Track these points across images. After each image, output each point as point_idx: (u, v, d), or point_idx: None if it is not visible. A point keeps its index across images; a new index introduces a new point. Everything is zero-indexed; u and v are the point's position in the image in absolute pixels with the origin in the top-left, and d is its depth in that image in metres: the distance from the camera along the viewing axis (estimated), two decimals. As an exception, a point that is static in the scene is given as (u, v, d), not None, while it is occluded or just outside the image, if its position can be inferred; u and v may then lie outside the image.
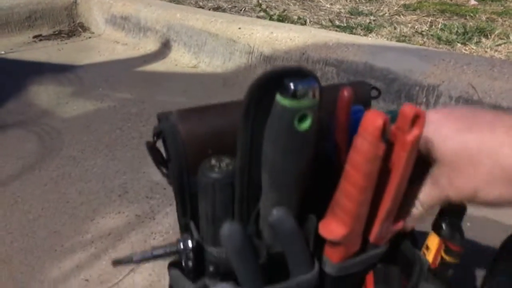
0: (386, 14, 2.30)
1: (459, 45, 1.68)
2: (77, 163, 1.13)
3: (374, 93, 0.49)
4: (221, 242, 0.36)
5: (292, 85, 0.32)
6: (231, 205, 0.40)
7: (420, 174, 0.38)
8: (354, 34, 1.84)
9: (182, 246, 0.39)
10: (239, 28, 1.70)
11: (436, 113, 0.36)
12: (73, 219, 0.93)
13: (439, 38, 1.76)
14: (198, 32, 1.84)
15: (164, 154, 0.42)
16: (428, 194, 0.37)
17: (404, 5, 2.49)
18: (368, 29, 1.96)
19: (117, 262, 0.40)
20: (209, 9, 2.30)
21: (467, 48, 1.65)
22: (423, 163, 0.38)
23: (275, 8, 2.38)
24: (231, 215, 0.40)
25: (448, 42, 1.72)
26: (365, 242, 0.42)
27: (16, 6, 2.25)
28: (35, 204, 0.97)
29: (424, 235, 0.51)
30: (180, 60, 1.88)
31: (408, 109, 0.35)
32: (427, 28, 1.96)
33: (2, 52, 2.01)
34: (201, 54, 1.83)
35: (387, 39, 1.79)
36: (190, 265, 0.40)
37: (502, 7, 2.43)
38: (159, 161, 0.42)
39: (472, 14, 2.23)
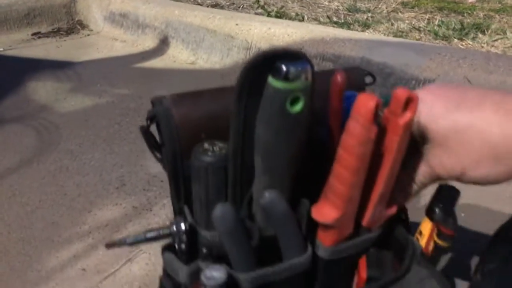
0: (384, 11, 2.30)
1: (455, 40, 1.69)
2: (74, 157, 1.14)
3: (369, 80, 0.50)
4: (214, 224, 0.36)
5: (284, 67, 0.32)
6: (224, 189, 0.40)
7: (414, 155, 0.39)
8: (352, 30, 1.85)
9: (175, 229, 0.40)
10: (237, 24, 1.71)
11: (427, 93, 0.36)
12: (71, 211, 0.93)
13: (436, 34, 1.77)
14: (196, 29, 1.84)
15: (158, 139, 0.42)
16: (421, 174, 0.38)
17: (402, 3, 2.49)
18: (365, 25, 1.96)
19: (110, 245, 0.40)
20: (207, 6, 2.30)
21: (463, 43, 1.66)
22: (416, 144, 0.38)
23: (273, 5, 2.39)
24: (224, 199, 0.40)
25: (445, 38, 1.73)
26: (358, 226, 0.42)
27: (14, 4, 2.26)
28: (33, 197, 0.98)
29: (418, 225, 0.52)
30: (178, 56, 1.89)
31: (400, 93, 0.35)
32: (424, 25, 1.96)
33: (1, 49, 2.01)
34: (199, 50, 1.83)
35: (384, 34, 1.79)
36: (183, 247, 0.40)
37: (499, 5, 2.44)
38: (153, 146, 0.43)
39: (469, 12, 2.24)
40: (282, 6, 2.33)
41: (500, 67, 1.07)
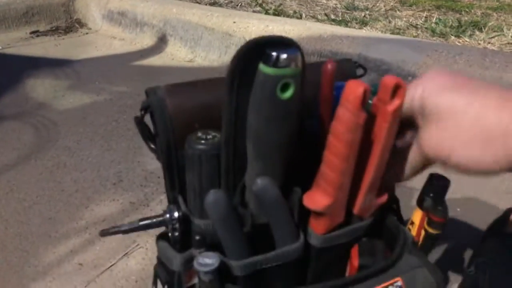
0: (382, 9, 2.31)
1: (452, 37, 1.69)
2: (72, 153, 1.14)
3: (360, 72, 0.50)
4: (206, 210, 0.37)
5: (274, 54, 0.32)
6: (217, 177, 0.40)
7: (405, 137, 0.39)
8: (349, 27, 1.85)
9: (168, 217, 0.40)
10: (234, 22, 1.71)
11: (435, 72, 0.37)
12: (68, 206, 0.93)
13: (433, 31, 1.77)
14: (194, 27, 1.85)
15: (152, 129, 0.43)
16: (411, 156, 0.38)
17: (400, 1, 2.50)
18: (363, 23, 1.96)
19: (104, 232, 0.41)
20: (206, 4, 2.30)
21: (460, 41, 1.66)
22: (410, 124, 0.38)
23: (271, 2, 2.39)
24: (217, 187, 0.40)
25: (442, 35, 1.73)
26: (350, 215, 0.43)
27: (13, 2, 2.26)
28: (30, 193, 0.98)
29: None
30: (177, 54, 1.89)
31: (388, 80, 0.36)
32: (422, 22, 1.97)
33: (0, 48, 2.01)
34: (197, 48, 1.84)
35: (382, 31, 1.80)
36: (176, 235, 0.41)
37: (497, 2, 2.44)
38: (147, 136, 0.43)
39: (467, 9, 2.24)
40: (280, 4, 2.34)
41: (496, 63, 1.07)
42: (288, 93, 0.34)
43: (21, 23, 2.29)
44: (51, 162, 1.10)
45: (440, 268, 0.44)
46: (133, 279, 0.76)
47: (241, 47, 0.34)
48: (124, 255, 0.80)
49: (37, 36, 2.21)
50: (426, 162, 0.37)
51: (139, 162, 1.10)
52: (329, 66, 0.39)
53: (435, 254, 0.67)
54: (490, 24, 1.84)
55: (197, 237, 0.39)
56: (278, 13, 2.14)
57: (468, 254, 0.73)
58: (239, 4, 2.35)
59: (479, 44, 1.62)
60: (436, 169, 0.44)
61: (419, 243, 0.48)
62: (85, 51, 1.99)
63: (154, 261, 0.80)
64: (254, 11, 2.18)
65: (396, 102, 0.36)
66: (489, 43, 1.62)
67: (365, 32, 1.66)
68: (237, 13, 1.85)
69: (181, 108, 0.42)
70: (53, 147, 1.17)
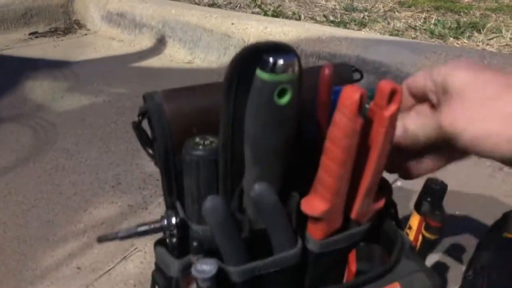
0: (381, 11, 2.31)
1: (451, 39, 1.69)
2: (71, 155, 1.14)
3: (357, 76, 0.50)
4: (204, 216, 0.37)
5: (271, 59, 0.32)
6: (215, 183, 0.40)
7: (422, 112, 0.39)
8: (348, 29, 1.85)
9: (166, 223, 0.40)
10: (233, 24, 1.71)
11: (454, 61, 0.37)
12: (66, 209, 0.93)
13: (432, 32, 1.77)
14: (193, 28, 1.85)
15: (149, 134, 0.43)
16: (427, 127, 0.38)
17: (399, 2, 2.50)
18: (362, 24, 1.96)
19: (102, 239, 0.41)
20: (204, 5, 2.30)
21: (459, 42, 1.66)
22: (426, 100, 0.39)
23: (270, 4, 2.39)
24: (215, 193, 0.40)
25: (441, 36, 1.73)
26: (347, 220, 0.43)
27: (12, 3, 2.26)
28: (28, 195, 0.98)
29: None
30: (176, 55, 1.89)
31: (385, 85, 0.36)
32: (420, 24, 1.97)
33: (-2, 49, 2.02)
34: (196, 49, 1.84)
35: (380, 33, 1.80)
36: (174, 241, 0.40)
37: (496, 4, 2.44)
38: (145, 141, 0.43)
39: (466, 11, 2.25)
40: (279, 5, 2.34)
41: (495, 65, 1.07)
42: (285, 99, 0.34)
43: (20, 24, 2.29)
44: (49, 164, 1.10)
45: (438, 273, 0.44)
46: (131, 283, 0.76)
47: (238, 53, 0.34)
48: (122, 258, 0.80)
49: (36, 37, 2.21)
50: (440, 136, 0.37)
51: (138, 164, 1.09)
52: (327, 70, 0.39)
53: (433, 258, 0.66)
54: (488, 25, 1.84)
55: (195, 243, 0.39)
56: (277, 14, 2.15)
57: (466, 258, 0.73)
58: (238, 5, 2.35)
59: (478, 45, 1.62)
60: (434, 173, 0.44)
61: (417, 247, 0.48)
62: (84, 53, 1.99)
63: (153, 265, 0.80)
64: (253, 12, 2.18)
65: (392, 107, 0.36)
66: (487, 44, 1.62)
67: (363, 33, 1.66)
68: (235, 14, 1.85)
69: (178, 113, 0.42)
70: (51, 149, 1.17)
